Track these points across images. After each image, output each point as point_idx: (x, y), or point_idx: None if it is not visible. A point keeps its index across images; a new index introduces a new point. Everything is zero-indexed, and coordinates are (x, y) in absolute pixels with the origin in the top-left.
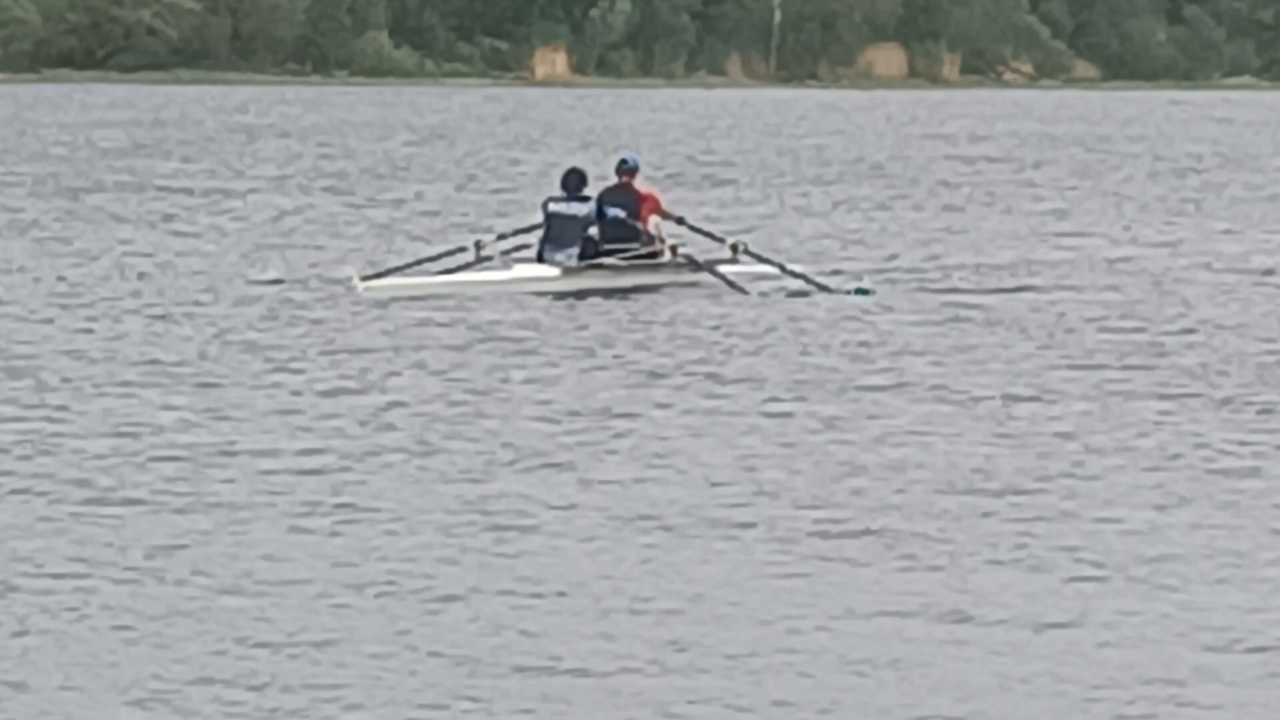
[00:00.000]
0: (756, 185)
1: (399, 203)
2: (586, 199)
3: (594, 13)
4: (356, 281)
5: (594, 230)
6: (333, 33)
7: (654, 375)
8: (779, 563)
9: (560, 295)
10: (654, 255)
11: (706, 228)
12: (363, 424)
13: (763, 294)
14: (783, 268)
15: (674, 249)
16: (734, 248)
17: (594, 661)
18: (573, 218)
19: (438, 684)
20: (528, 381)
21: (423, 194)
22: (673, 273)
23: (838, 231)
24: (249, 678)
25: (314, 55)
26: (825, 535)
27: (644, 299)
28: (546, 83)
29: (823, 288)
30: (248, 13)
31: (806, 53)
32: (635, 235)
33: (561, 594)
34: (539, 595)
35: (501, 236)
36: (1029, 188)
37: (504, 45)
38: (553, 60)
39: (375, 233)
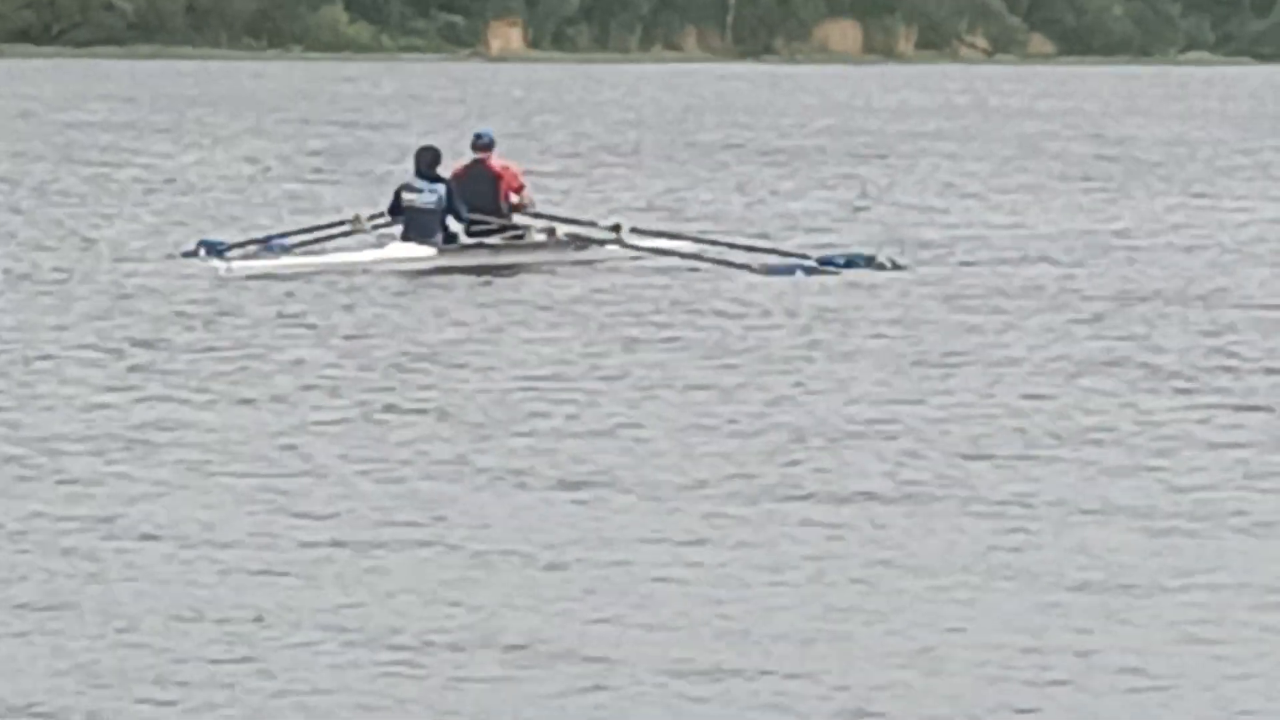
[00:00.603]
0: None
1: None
2: (439, 180)
3: None
4: (218, 262)
5: (458, 225)
6: (289, 6)
7: (560, 346)
8: (700, 526)
9: (441, 271)
10: (521, 233)
11: (576, 216)
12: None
13: (657, 271)
14: (672, 244)
15: (551, 230)
16: (615, 228)
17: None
18: (426, 209)
19: (364, 655)
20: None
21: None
22: (555, 251)
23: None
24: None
25: (269, 29)
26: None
27: (530, 275)
28: (501, 58)
29: (722, 263)
30: None
31: (762, 27)
32: (496, 213)
33: (493, 557)
34: (469, 558)
35: (374, 217)
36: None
37: (459, 20)
38: (507, 35)
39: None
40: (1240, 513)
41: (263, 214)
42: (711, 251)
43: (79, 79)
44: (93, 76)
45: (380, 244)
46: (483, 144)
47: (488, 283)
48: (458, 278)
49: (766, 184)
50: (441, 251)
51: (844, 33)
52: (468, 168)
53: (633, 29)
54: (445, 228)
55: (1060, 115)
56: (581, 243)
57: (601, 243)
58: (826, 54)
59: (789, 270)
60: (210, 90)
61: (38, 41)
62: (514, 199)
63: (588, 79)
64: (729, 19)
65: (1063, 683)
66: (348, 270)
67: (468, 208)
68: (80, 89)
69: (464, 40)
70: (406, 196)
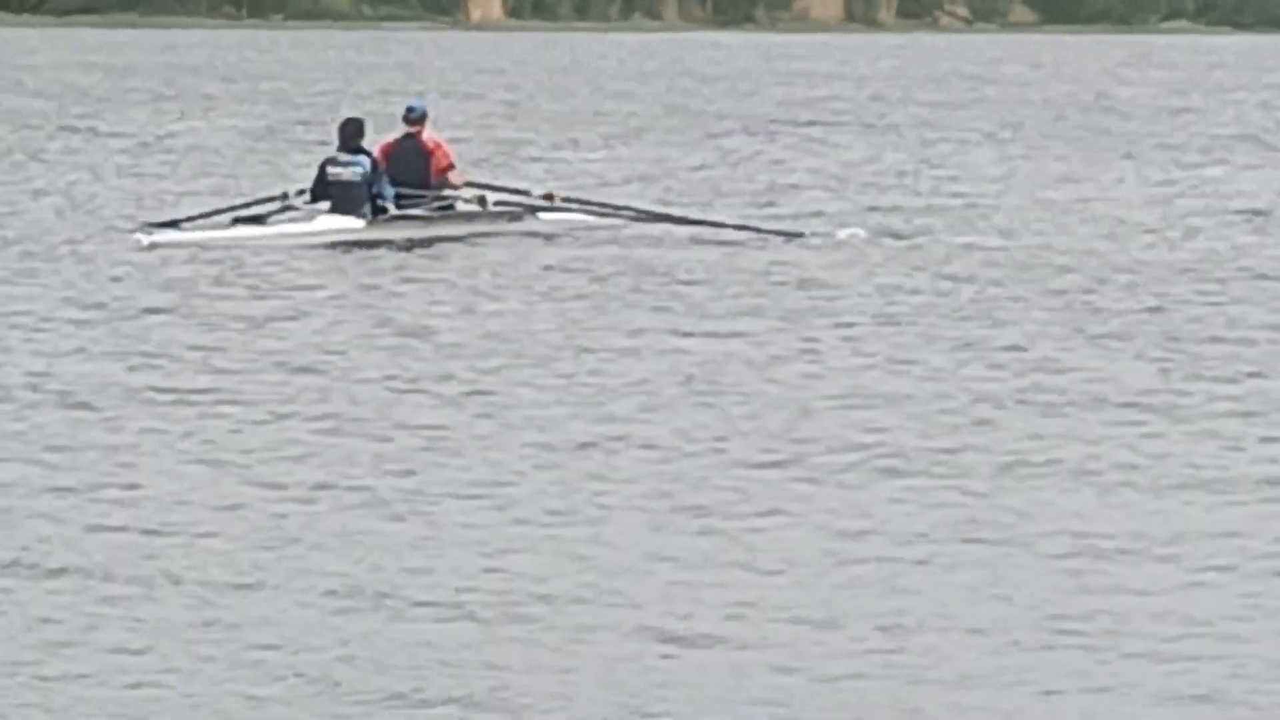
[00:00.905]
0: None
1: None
2: (362, 152)
3: None
4: (139, 234)
5: (388, 203)
6: None
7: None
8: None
9: (368, 245)
10: (451, 203)
11: (508, 184)
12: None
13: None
14: (606, 211)
15: (482, 199)
16: (548, 196)
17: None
18: (352, 183)
19: (337, 623)
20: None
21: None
22: (487, 222)
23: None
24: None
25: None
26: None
27: (462, 245)
28: (481, 26)
29: (654, 215)
30: None
31: None
32: (425, 189)
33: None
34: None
35: (303, 192)
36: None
37: None
38: (488, 4)
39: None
40: (1223, 479)
41: (232, 185)
42: (645, 219)
43: (61, 47)
44: (74, 45)
45: (308, 218)
46: (414, 117)
47: (417, 253)
48: (386, 250)
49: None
50: (370, 224)
51: (825, 2)
52: (398, 141)
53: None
54: (373, 200)
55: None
56: (514, 212)
57: (534, 210)
58: (807, 23)
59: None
60: (187, 59)
61: (16, 10)
62: (446, 177)
63: (568, 47)
64: None
65: (1035, 648)
66: (272, 244)
67: (397, 182)
68: (61, 58)
69: (444, 9)
70: (331, 170)
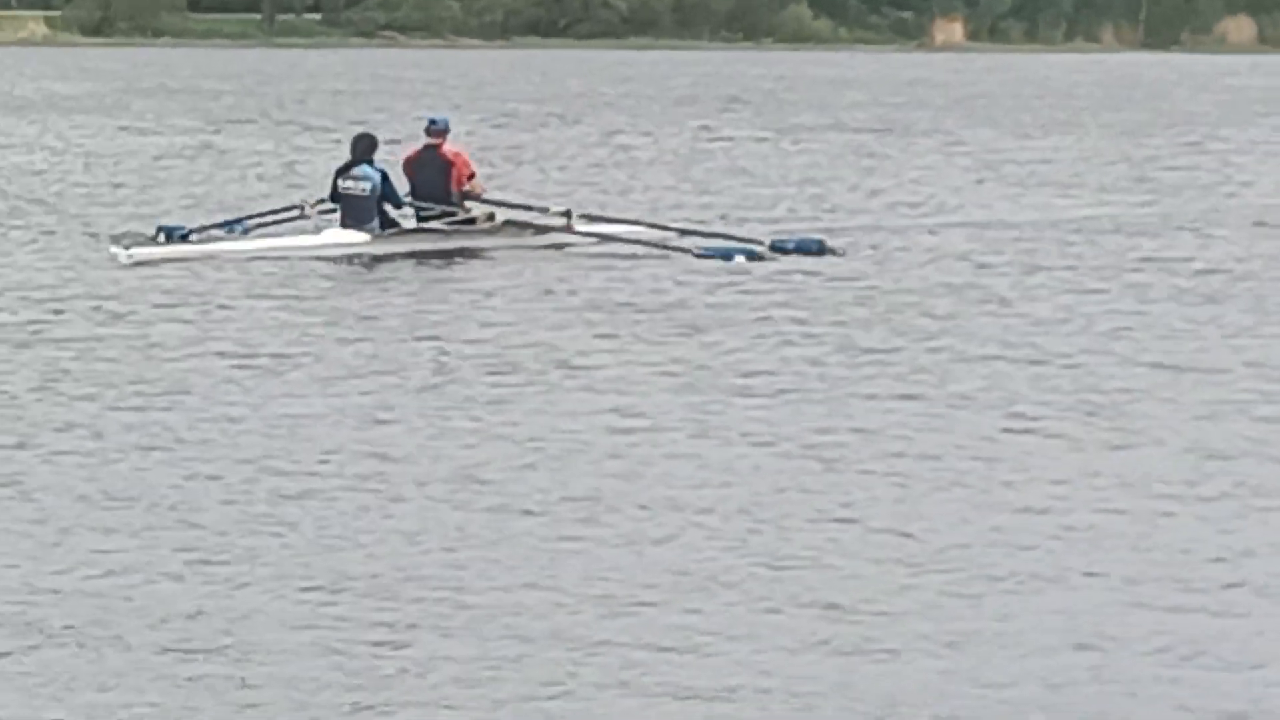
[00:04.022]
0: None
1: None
2: (371, 165)
3: None
4: (117, 249)
5: (398, 216)
6: (761, 5)
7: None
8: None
9: (374, 259)
10: (471, 220)
11: (526, 201)
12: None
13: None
14: (621, 234)
15: (491, 215)
16: (566, 214)
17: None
18: (360, 196)
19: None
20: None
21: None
22: (502, 236)
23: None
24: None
25: (745, 24)
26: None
27: (470, 260)
28: (944, 48)
29: (666, 247)
30: None
31: (1170, 22)
32: (446, 200)
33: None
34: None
35: (320, 203)
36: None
37: (907, 15)
38: (950, 29)
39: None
40: (1207, 484)
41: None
42: (658, 236)
43: (581, 68)
44: (591, 66)
45: (315, 230)
46: (436, 129)
47: (418, 267)
48: (388, 265)
49: None
50: (376, 238)
51: (1240, 27)
52: (420, 153)
53: (1058, 23)
54: (382, 214)
55: None
56: (529, 229)
57: (549, 229)
58: (1225, 46)
59: (727, 255)
60: (687, 78)
61: (545, 34)
62: (466, 186)
63: (1015, 68)
64: (1141, 15)
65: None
66: (269, 256)
67: (419, 194)
68: (586, 77)
69: (911, 33)
70: (342, 184)
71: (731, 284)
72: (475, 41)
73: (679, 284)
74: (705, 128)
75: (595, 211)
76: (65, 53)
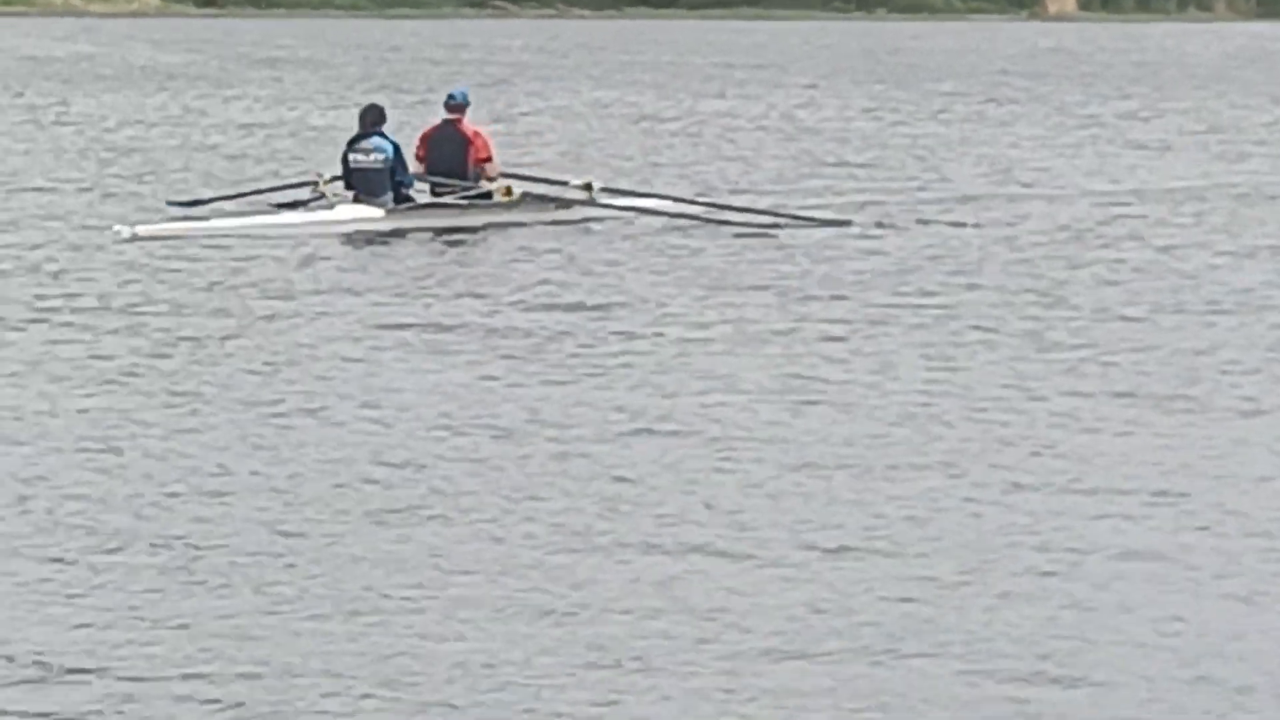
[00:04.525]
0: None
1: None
2: (382, 136)
3: None
4: (122, 227)
5: (411, 190)
6: None
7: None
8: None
9: (388, 235)
10: (487, 195)
11: (547, 175)
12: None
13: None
14: (645, 204)
15: (508, 189)
16: (586, 187)
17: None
18: (372, 168)
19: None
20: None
21: None
22: (515, 212)
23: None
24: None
25: None
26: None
27: (487, 235)
28: (1058, 18)
29: (697, 217)
30: None
31: None
32: (463, 176)
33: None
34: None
35: (335, 179)
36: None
37: None
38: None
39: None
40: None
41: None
42: (685, 210)
43: (692, 37)
44: (700, 35)
45: (329, 205)
46: (455, 104)
47: (435, 242)
48: (401, 240)
49: None
50: (390, 213)
51: None
52: (438, 127)
53: None
54: (396, 187)
55: None
56: (549, 202)
57: (571, 202)
58: None
59: (761, 230)
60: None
61: (656, 5)
62: (480, 169)
63: (1126, 37)
64: None
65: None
66: (284, 233)
67: (435, 169)
68: (692, 47)
69: (1024, 2)
70: (352, 157)
71: (836, 257)
72: (585, 12)
73: (767, 260)
74: (812, 100)
75: (616, 186)
76: (175, 23)
